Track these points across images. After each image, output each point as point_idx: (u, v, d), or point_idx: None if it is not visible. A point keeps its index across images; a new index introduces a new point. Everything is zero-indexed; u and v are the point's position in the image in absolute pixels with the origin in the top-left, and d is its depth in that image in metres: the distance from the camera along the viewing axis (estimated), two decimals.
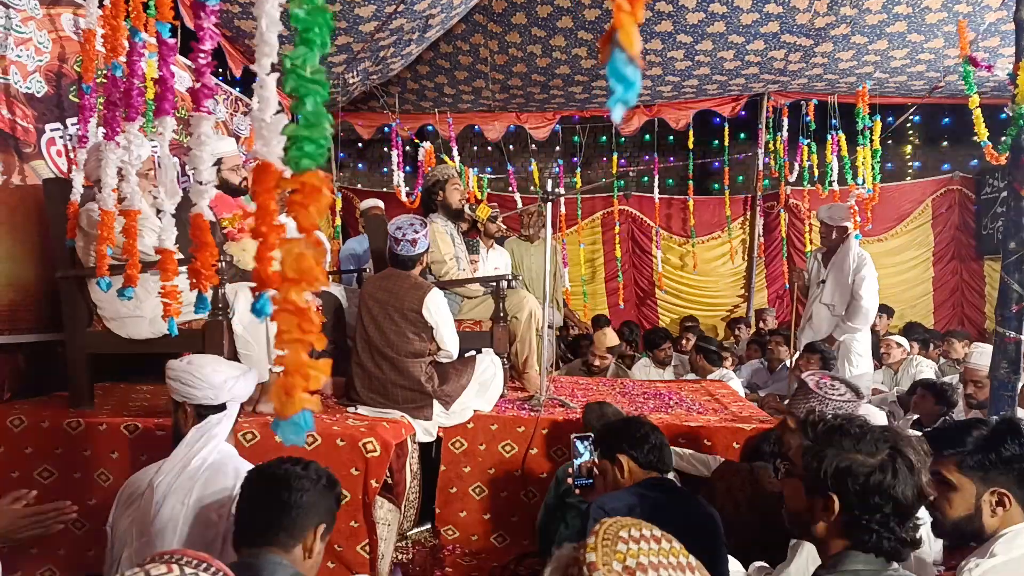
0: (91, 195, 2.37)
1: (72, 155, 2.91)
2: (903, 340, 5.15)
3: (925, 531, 1.59)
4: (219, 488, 1.63)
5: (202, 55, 1.47)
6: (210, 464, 1.67)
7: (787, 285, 6.90)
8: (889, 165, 6.96)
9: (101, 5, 2.16)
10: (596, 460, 1.98)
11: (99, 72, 2.56)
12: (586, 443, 2.02)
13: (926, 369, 4.75)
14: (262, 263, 0.79)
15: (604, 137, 7.22)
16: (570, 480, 2.01)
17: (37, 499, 2.37)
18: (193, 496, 1.59)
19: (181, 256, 1.95)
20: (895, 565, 1.21)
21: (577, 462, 1.99)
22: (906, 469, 1.19)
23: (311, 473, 1.38)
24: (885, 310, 6.27)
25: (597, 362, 4.37)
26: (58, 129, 2.95)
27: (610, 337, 4.50)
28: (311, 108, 0.77)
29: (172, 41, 1.78)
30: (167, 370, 1.81)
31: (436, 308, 2.69)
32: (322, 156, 0.80)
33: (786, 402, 3.27)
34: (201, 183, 1.49)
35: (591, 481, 1.98)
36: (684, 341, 5.29)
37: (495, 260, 4.09)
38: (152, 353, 2.63)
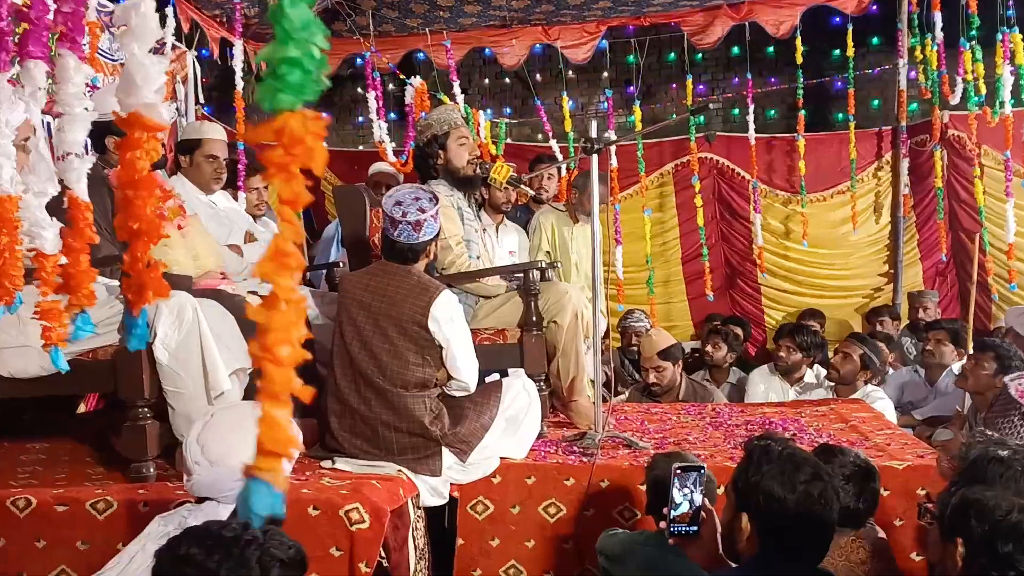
0: None
1: None
2: None
3: None
4: None
5: None
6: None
7: (944, 258, 6.75)
8: None
9: None
10: (708, 503, 2.05)
11: None
12: (694, 477, 2.05)
13: None
14: (131, 255, 0.78)
15: (673, 54, 7.13)
16: (663, 524, 2.06)
17: None
18: None
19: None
20: None
21: (679, 503, 2.03)
22: None
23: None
24: None
25: (652, 377, 4.35)
26: None
27: (660, 339, 4.46)
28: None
29: None
30: None
31: (447, 319, 2.67)
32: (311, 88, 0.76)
33: (982, 415, 3.19)
34: (73, 154, 1.45)
35: (696, 528, 2.03)
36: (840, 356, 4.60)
37: (508, 242, 4.04)
38: (45, 396, 2.66)
